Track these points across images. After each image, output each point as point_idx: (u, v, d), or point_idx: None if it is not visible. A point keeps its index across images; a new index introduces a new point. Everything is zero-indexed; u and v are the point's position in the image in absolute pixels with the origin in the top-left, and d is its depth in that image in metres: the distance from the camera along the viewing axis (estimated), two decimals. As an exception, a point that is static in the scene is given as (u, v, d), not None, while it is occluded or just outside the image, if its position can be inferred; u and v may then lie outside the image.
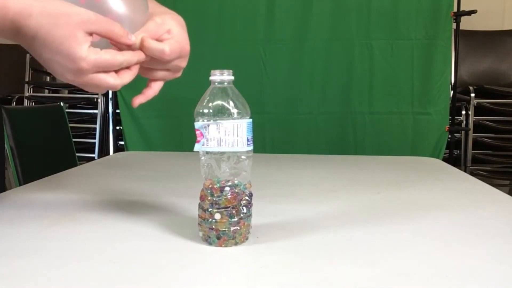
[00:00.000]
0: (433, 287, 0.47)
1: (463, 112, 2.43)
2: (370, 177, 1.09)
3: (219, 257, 0.55)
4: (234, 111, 0.57)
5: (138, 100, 0.64)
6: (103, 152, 2.61)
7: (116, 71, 0.57)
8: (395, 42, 1.97)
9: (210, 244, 0.58)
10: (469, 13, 1.99)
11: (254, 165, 0.60)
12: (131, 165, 1.29)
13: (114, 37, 0.56)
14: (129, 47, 0.58)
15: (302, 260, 0.54)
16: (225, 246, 0.57)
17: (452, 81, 2.12)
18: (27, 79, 2.83)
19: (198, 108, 0.58)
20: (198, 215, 0.59)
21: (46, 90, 2.94)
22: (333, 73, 2.02)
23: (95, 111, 2.66)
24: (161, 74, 0.64)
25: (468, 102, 2.43)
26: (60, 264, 0.52)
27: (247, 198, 0.59)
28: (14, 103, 2.74)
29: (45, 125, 1.46)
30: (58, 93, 2.93)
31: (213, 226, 0.57)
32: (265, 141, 2.05)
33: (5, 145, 1.18)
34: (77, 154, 1.58)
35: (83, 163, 1.30)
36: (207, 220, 0.57)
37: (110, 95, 2.32)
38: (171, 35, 0.61)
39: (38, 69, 2.89)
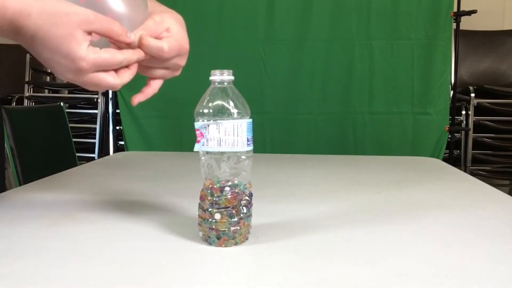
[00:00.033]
0: (433, 287, 0.47)
1: (463, 112, 2.43)
2: (370, 177, 1.09)
3: (219, 257, 0.55)
4: (234, 111, 0.57)
5: (137, 99, 0.64)
6: (103, 152, 2.61)
7: (116, 70, 0.57)
8: (395, 42, 1.97)
9: (210, 244, 0.58)
10: (469, 13, 1.99)
11: (254, 165, 0.60)
12: (131, 165, 1.29)
13: (113, 35, 0.56)
14: (128, 46, 0.58)
15: (302, 260, 0.54)
16: (225, 246, 0.57)
17: (452, 81, 2.12)
18: (27, 79, 2.83)
19: (198, 108, 0.58)
20: (198, 215, 0.59)
21: (46, 90, 2.94)
22: (333, 73, 2.01)
23: (95, 111, 2.66)
24: (160, 72, 0.64)
25: (468, 102, 2.43)
26: (60, 264, 0.52)
27: (247, 198, 0.59)
28: (14, 103, 2.74)
29: (45, 125, 1.46)
30: (58, 93, 2.93)
31: (213, 226, 0.57)
32: (265, 141, 2.05)
33: (5, 145, 1.18)
34: (77, 154, 1.58)
35: (83, 163, 1.30)
36: (207, 220, 0.57)
37: (110, 95, 2.32)
38: (170, 33, 0.61)
39: (38, 69, 2.89)
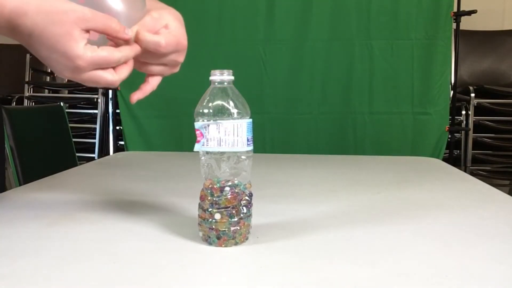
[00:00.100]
0: (433, 287, 0.47)
1: (463, 112, 2.43)
2: (370, 177, 1.09)
3: (219, 257, 0.55)
4: (234, 111, 0.57)
5: (136, 96, 0.64)
6: (103, 152, 2.61)
7: (114, 67, 0.57)
8: (395, 42, 1.97)
9: (210, 244, 0.58)
10: (469, 13, 1.99)
11: (254, 165, 0.60)
12: (131, 165, 1.29)
13: (111, 32, 0.55)
14: (126, 42, 0.57)
15: (302, 260, 0.54)
16: (225, 246, 0.57)
17: (452, 81, 2.12)
18: (27, 79, 2.83)
19: (198, 108, 0.58)
20: (198, 215, 0.59)
21: (46, 90, 2.94)
22: (333, 73, 2.02)
23: (95, 111, 2.65)
24: (158, 68, 0.64)
25: (468, 102, 2.43)
26: (60, 264, 0.52)
27: (247, 198, 0.59)
28: (14, 103, 2.74)
29: (45, 125, 1.46)
30: (58, 93, 2.93)
31: (213, 226, 0.57)
32: (265, 141, 2.05)
33: (5, 145, 1.18)
34: (77, 154, 1.58)
35: (83, 163, 1.30)
36: (207, 220, 0.57)
37: (110, 95, 2.32)
38: (168, 29, 0.61)
39: (38, 69, 2.89)
